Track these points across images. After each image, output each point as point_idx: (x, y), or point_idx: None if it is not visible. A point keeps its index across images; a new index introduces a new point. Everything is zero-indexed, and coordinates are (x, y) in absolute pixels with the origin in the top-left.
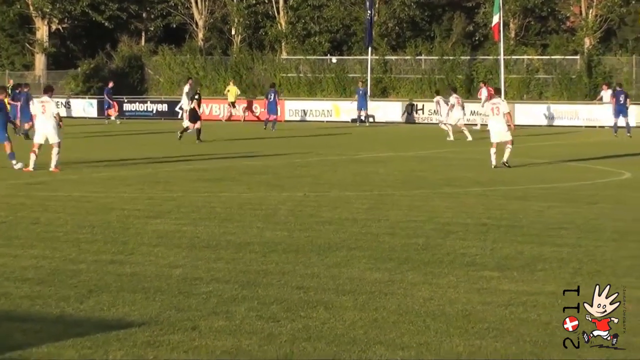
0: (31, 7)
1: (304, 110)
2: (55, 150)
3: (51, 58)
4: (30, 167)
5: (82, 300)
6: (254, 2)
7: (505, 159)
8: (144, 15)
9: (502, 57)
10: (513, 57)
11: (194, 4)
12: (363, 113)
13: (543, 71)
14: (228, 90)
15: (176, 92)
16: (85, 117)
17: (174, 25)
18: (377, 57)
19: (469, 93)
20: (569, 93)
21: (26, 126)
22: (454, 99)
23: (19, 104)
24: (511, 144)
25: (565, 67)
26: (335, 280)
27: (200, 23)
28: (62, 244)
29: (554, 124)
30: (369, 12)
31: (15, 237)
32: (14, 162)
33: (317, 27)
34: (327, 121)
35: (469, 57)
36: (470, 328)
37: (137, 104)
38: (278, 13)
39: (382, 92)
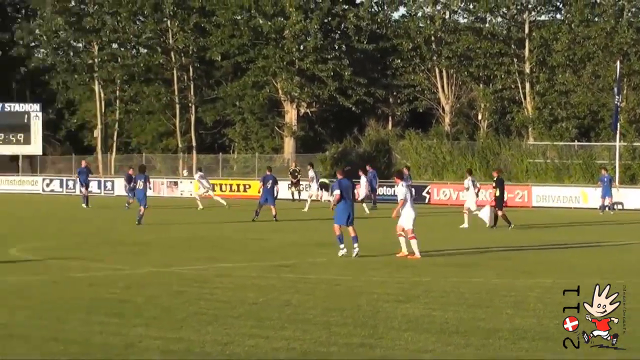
0: (280, 92)
1: (551, 197)
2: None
3: (300, 141)
4: (405, 251)
5: None
6: (500, 87)
7: None
8: (390, 99)
9: None
10: None
11: (440, 89)
12: (608, 200)
13: None
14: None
15: (422, 177)
16: (329, 200)
17: (421, 110)
18: (625, 144)
19: None
20: None
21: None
22: None
23: None
24: None
25: None
26: None
27: (447, 108)
28: (312, 327)
29: None
30: (617, 97)
31: (266, 319)
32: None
33: (565, 112)
34: (574, 208)
35: None
36: None
37: (384, 188)
38: (525, 98)
39: (631, 179)
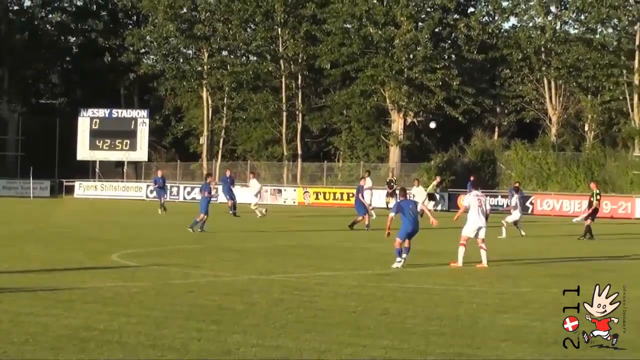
0: (387, 100)
1: None
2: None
3: (405, 150)
4: (460, 263)
5: None
6: (608, 98)
7: None
8: (497, 109)
9: None
10: None
11: (547, 100)
12: None
13: None
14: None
15: (527, 187)
16: (436, 210)
17: (527, 120)
18: None
19: None
20: None
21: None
22: None
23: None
24: None
25: None
26: None
27: (554, 118)
28: (410, 336)
29: None
30: None
31: (364, 327)
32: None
33: None
34: None
35: None
36: None
37: (488, 198)
38: (632, 110)
39: None
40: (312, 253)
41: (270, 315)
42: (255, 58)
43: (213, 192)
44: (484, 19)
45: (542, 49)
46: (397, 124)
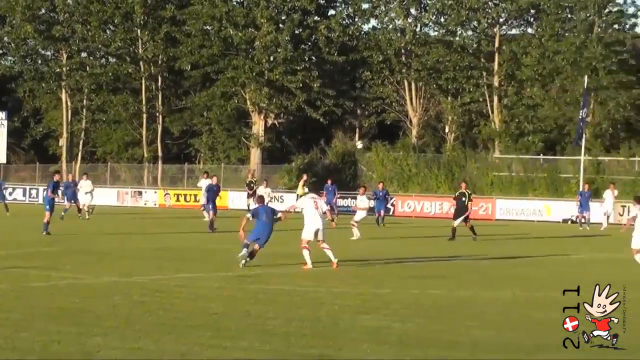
0: (248, 102)
1: (514, 210)
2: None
3: (266, 152)
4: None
5: None
6: (468, 100)
7: None
8: (358, 111)
9: None
10: None
11: (408, 102)
12: (587, 215)
13: None
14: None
15: (388, 189)
16: (299, 211)
17: (388, 122)
18: (590, 158)
19: None
20: None
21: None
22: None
23: None
24: None
25: None
26: None
27: (415, 120)
28: (271, 337)
29: None
30: (581, 111)
31: (225, 329)
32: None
33: (531, 126)
34: (537, 221)
35: None
36: None
37: (349, 199)
38: (492, 112)
39: (595, 192)
40: (172, 255)
41: (131, 317)
42: (114, 60)
43: (59, 193)
44: (344, 21)
45: (402, 51)
46: (258, 126)
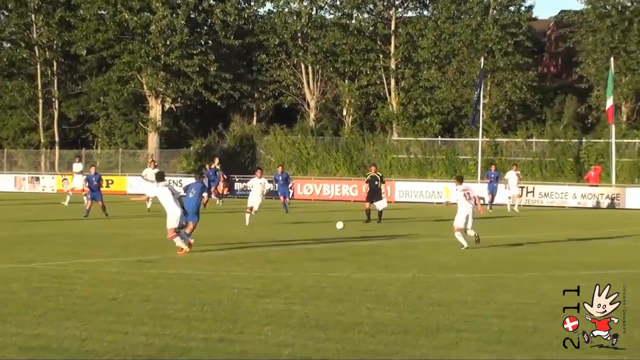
0: (145, 87)
1: (413, 192)
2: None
3: (164, 137)
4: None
5: None
6: (365, 83)
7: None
8: (255, 95)
9: (614, 140)
10: (625, 140)
11: (305, 85)
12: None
13: None
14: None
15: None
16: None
17: (286, 106)
18: (487, 139)
19: (579, 176)
20: None
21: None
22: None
23: None
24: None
25: None
26: None
27: (312, 103)
28: (172, 322)
29: None
30: (476, 91)
31: (126, 314)
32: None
33: (429, 108)
34: (436, 202)
35: (579, 140)
36: None
37: (248, 182)
38: (389, 94)
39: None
40: (71, 241)
41: (30, 303)
42: (9, 45)
43: None
44: (239, 5)
45: (299, 34)
46: (155, 110)
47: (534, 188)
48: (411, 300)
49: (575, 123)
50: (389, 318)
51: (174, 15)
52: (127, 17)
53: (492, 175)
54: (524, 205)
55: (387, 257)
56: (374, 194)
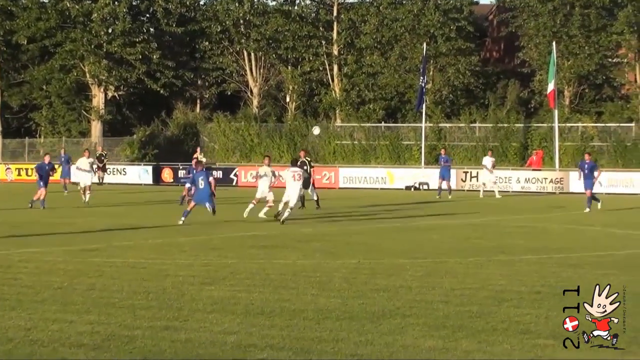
0: (87, 75)
1: (357, 178)
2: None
3: (107, 125)
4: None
5: None
6: (308, 69)
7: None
8: (198, 82)
9: (556, 124)
10: (568, 124)
11: (248, 72)
12: (445, 184)
13: (598, 139)
14: None
15: (231, 159)
16: (140, 184)
17: (229, 93)
18: (431, 125)
19: (523, 160)
20: (624, 160)
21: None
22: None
23: None
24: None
25: (620, 134)
26: (389, 348)
27: (255, 90)
28: (117, 310)
29: (609, 191)
30: (422, 78)
31: (71, 303)
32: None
33: (372, 94)
34: (381, 188)
35: (523, 125)
36: None
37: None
38: (332, 80)
39: (436, 159)
40: (14, 230)
41: None
42: None
43: None
44: None
45: (241, 21)
46: (98, 99)
47: (477, 173)
48: (356, 286)
49: (519, 108)
50: (334, 304)
51: (116, 3)
52: (68, 5)
53: (443, 159)
54: (467, 190)
55: (331, 244)
56: (305, 181)
